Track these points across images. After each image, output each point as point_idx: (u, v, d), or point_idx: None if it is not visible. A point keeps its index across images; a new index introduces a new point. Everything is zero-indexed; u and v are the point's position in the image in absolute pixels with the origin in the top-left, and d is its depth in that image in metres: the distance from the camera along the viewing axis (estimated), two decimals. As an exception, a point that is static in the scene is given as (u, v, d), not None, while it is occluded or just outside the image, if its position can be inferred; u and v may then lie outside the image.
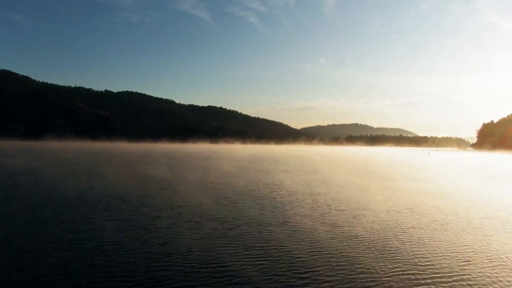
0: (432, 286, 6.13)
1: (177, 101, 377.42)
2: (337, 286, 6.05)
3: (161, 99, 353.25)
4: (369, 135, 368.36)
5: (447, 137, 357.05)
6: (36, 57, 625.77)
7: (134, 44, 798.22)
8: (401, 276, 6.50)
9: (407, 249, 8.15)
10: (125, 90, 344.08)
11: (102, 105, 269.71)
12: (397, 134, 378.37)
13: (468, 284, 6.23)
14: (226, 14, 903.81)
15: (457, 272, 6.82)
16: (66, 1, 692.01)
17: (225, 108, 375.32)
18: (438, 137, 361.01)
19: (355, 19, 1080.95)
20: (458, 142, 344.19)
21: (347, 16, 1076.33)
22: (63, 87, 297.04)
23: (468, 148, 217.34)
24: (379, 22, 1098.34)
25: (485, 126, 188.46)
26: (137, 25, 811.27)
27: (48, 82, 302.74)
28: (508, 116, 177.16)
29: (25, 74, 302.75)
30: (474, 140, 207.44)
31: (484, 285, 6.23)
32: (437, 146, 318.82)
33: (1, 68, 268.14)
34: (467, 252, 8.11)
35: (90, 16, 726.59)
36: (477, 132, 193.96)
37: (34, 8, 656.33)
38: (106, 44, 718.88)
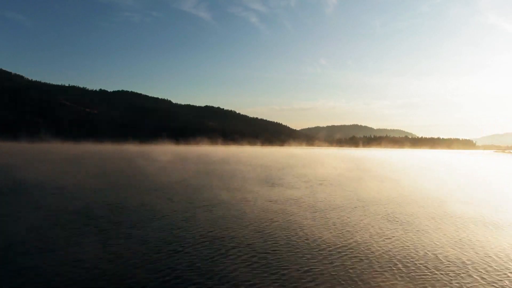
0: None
1: (174, 101, 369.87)
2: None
3: (157, 98, 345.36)
4: (372, 136, 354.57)
5: (453, 138, 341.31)
6: (34, 56, 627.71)
7: (134, 44, 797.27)
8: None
9: None
10: (121, 89, 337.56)
11: (95, 105, 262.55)
12: (401, 136, 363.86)
13: None
14: (227, 14, 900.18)
15: None
16: (67, 1, 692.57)
17: (223, 108, 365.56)
18: (445, 138, 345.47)
19: (356, 20, 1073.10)
20: (466, 143, 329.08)
21: (348, 17, 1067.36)
22: (54, 85, 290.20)
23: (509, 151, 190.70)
24: (380, 23, 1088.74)
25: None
26: (138, 25, 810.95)
27: (42, 81, 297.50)
28: None
29: (20, 73, 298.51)
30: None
31: None
32: (449, 147, 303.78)
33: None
34: None
35: (91, 16, 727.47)
36: None
37: (35, 7, 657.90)
38: (106, 44, 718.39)
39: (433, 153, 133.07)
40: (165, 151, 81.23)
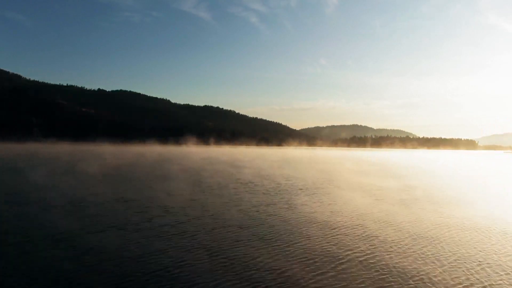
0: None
1: (173, 100, 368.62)
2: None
3: (156, 98, 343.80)
4: (373, 136, 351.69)
5: (456, 138, 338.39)
6: (33, 56, 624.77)
7: (134, 44, 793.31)
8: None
9: None
10: (119, 89, 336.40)
11: (93, 104, 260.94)
12: (402, 136, 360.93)
13: None
14: (227, 14, 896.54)
15: None
16: (67, 1, 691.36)
17: (222, 108, 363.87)
18: (447, 138, 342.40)
19: (357, 20, 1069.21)
20: (469, 144, 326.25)
21: (349, 17, 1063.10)
22: (52, 85, 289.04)
23: None
24: (380, 23, 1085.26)
25: None
26: (138, 25, 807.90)
27: (40, 81, 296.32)
28: None
29: (18, 73, 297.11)
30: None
31: None
32: (454, 147, 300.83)
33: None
34: None
35: (91, 16, 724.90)
36: None
37: (35, 7, 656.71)
38: (106, 44, 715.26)
39: (453, 155, 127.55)
40: (131, 153, 76.24)
